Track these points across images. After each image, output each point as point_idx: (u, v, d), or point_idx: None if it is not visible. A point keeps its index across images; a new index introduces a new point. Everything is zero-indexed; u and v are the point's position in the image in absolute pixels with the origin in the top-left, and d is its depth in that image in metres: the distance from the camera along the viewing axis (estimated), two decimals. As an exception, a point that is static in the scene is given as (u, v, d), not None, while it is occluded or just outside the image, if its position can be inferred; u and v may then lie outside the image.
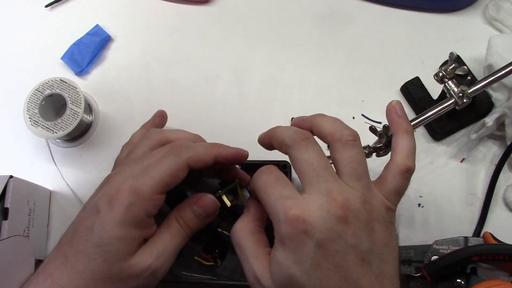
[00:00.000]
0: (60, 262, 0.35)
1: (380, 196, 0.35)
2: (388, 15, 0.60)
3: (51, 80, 0.54)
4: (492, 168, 0.52)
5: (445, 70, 0.47)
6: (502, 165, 0.51)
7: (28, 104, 0.53)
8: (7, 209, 0.46)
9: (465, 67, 0.48)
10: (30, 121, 0.52)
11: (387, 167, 0.37)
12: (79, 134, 0.57)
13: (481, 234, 0.48)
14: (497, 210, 0.51)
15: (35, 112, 0.53)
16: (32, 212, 0.51)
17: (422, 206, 0.51)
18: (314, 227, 0.31)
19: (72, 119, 0.52)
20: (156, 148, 0.39)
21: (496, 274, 0.46)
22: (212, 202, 0.39)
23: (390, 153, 0.44)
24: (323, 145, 0.36)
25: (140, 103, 0.58)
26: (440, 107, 0.46)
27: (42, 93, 0.53)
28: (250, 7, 0.62)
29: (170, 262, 0.37)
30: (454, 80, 0.47)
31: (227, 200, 0.41)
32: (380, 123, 0.55)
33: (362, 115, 0.56)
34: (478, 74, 0.55)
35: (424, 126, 0.53)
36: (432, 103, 0.54)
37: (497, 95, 0.53)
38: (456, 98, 0.46)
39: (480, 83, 0.46)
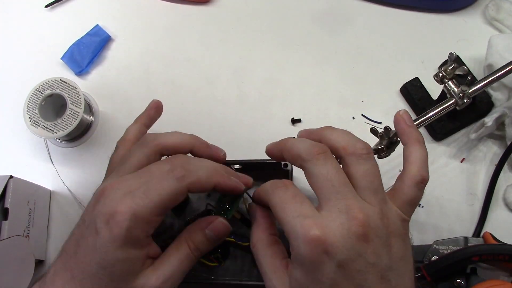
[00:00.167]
0: (68, 277, 0.35)
1: (395, 209, 0.35)
2: (388, 15, 0.60)
3: (51, 80, 0.54)
4: (492, 168, 0.52)
5: (445, 71, 0.47)
6: (502, 165, 0.51)
7: (28, 104, 0.53)
8: (7, 209, 0.47)
9: (465, 67, 0.48)
10: (30, 121, 0.52)
11: (400, 178, 0.37)
12: (79, 134, 0.57)
13: (481, 234, 0.48)
14: (497, 210, 0.51)
15: (35, 112, 0.53)
16: (32, 212, 0.51)
17: (422, 206, 0.51)
18: (335, 248, 0.31)
19: (72, 119, 0.52)
20: (152, 156, 0.38)
21: (496, 274, 0.46)
22: (224, 226, 0.38)
23: (390, 154, 0.45)
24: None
25: (140, 103, 0.58)
26: (441, 108, 0.46)
27: (42, 93, 0.53)
28: (250, 7, 0.62)
29: (176, 284, 0.37)
30: (454, 80, 0.47)
31: (237, 214, 0.41)
32: (380, 123, 0.55)
33: (362, 115, 0.56)
34: (478, 74, 0.55)
35: (424, 126, 0.53)
36: (432, 103, 0.54)
37: (497, 95, 0.53)
38: (457, 98, 0.46)
39: (480, 83, 0.46)
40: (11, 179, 0.48)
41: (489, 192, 0.51)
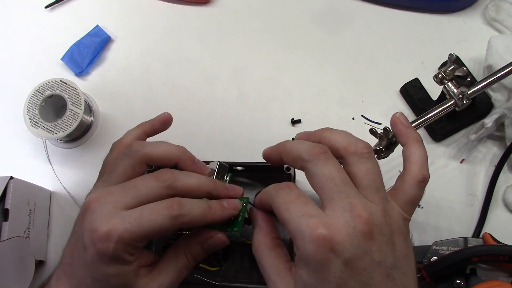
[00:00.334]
0: (68, 285, 0.36)
1: (397, 208, 0.35)
2: (387, 15, 0.60)
3: (51, 81, 0.54)
4: (492, 168, 0.52)
5: (445, 72, 0.47)
6: (501, 166, 0.51)
7: (28, 105, 0.53)
8: (7, 210, 0.47)
9: (465, 68, 0.48)
10: (30, 122, 0.52)
11: (401, 177, 0.37)
12: (79, 135, 0.57)
13: (481, 235, 0.48)
14: (497, 211, 0.51)
15: (35, 113, 0.53)
16: (33, 213, 0.51)
17: (422, 207, 0.51)
18: (341, 246, 0.31)
19: (72, 120, 0.52)
20: (138, 167, 0.37)
21: (495, 275, 0.46)
22: (223, 241, 0.38)
23: (390, 154, 0.45)
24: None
25: (140, 103, 0.58)
26: (440, 109, 0.46)
27: (42, 94, 0.53)
28: (250, 7, 0.62)
29: None
30: (453, 81, 0.47)
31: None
32: (379, 124, 0.55)
33: (362, 116, 0.56)
34: (478, 75, 0.55)
35: (424, 127, 0.53)
36: (431, 104, 0.54)
37: (496, 96, 0.53)
38: (456, 99, 0.46)
39: (479, 84, 0.46)
40: (12, 180, 0.48)
41: (488, 193, 0.51)
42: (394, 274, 0.32)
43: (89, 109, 0.57)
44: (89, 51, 0.60)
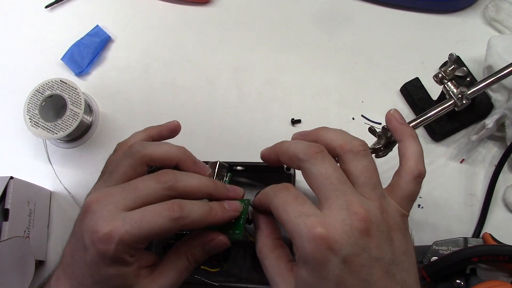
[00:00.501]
0: (68, 285, 0.36)
1: (395, 204, 0.35)
2: (388, 15, 0.60)
3: (51, 81, 0.54)
4: (492, 169, 0.52)
5: (445, 71, 0.47)
6: (501, 166, 0.51)
7: (28, 105, 0.53)
8: (7, 210, 0.47)
9: (465, 68, 0.48)
10: (30, 122, 0.53)
11: (398, 173, 0.37)
12: (79, 135, 0.57)
13: (481, 235, 0.48)
14: (497, 211, 0.51)
15: (35, 113, 0.53)
16: (33, 213, 0.51)
17: (422, 207, 0.51)
18: (339, 244, 0.31)
19: (72, 120, 0.52)
20: (139, 167, 0.37)
21: (495, 275, 0.46)
22: (225, 243, 0.38)
23: (388, 154, 0.45)
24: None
25: (140, 103, 0.58)
26: (440, 108, 0.46)
27: (42, 94, 0.53)
28: (250, 7, 0.62)
29: None
30: (453, 81, 0.47)
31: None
32: (379, 124, 0.55)
33: (362, 116, 0.56)
34: (478, 75, 0.55)
35: (424, 127, 0.53)
36: (431, 104, 0.54)
37: (496, 96, 0.53)
38: (456, 99, 0.46)
39: (479, 84, 0.46)
40: (12, 180, 0.48)
41: (488, 193, 0.51)
42: (393, 270, 0.32)
43: (89, 109, 0.57)
44: (89, 51, 0.60)
